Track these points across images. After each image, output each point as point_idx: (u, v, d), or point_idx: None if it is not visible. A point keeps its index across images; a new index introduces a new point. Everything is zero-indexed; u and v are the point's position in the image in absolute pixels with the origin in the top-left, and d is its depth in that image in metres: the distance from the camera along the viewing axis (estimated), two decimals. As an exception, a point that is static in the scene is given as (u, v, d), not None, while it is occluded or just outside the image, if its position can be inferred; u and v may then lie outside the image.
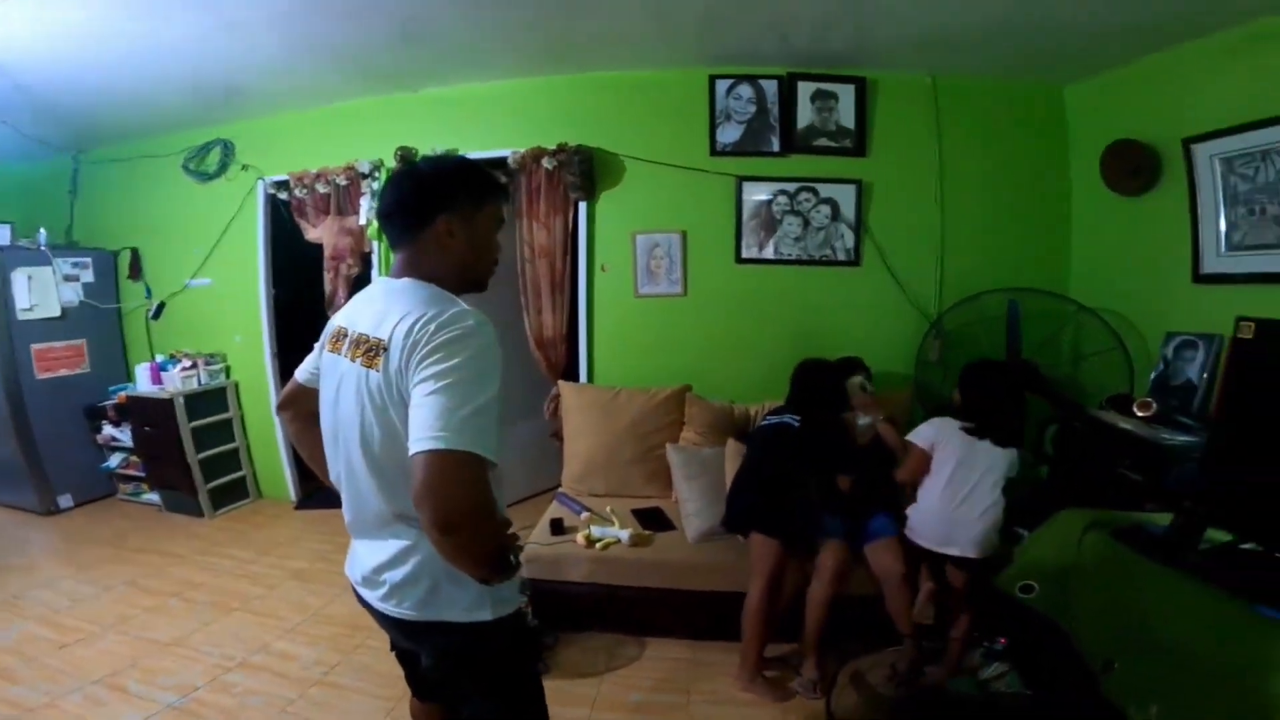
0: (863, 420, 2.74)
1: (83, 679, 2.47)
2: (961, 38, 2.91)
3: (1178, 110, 2.79)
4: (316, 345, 1.36)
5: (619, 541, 2.76)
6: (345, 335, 1.22)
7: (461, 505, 0.96)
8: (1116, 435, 2.54)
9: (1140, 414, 2.56)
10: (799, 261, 3.48)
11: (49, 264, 4.07)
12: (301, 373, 1.41)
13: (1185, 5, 2.48)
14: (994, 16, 2.70)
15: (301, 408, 1.41)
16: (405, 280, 1.18)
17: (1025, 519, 2.42)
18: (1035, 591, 1.93)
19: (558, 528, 2.89)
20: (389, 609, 1.22)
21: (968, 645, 2.34)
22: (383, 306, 1.15)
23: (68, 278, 4.18)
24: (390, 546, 1.20)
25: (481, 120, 3.62)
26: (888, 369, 3.34)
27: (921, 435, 2.50)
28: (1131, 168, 2.98)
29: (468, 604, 1.19)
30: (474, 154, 3.60)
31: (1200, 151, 2.67)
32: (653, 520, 2.98)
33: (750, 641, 2.42)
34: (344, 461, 1.23)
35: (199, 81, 3.31)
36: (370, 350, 1.13)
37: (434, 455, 0.95)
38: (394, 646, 1.46)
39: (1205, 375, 2.62)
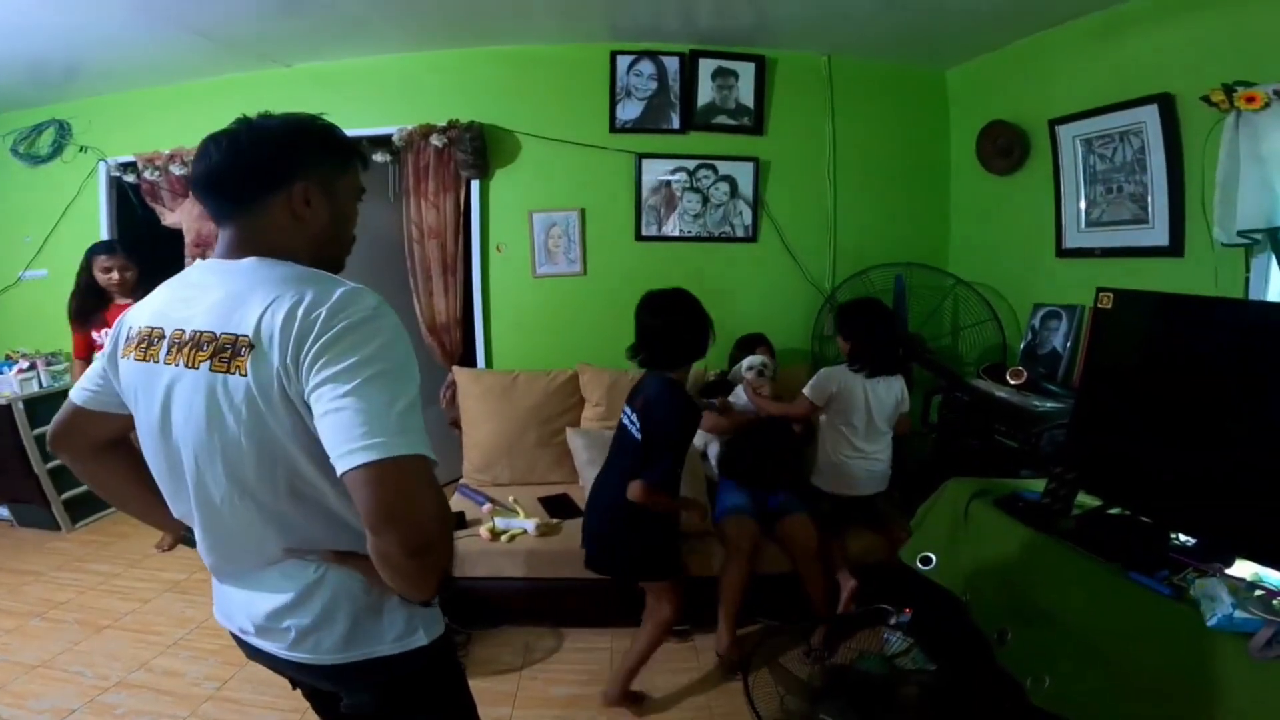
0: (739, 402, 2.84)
1: None
2: (852, 18, 2.95)
3: (1045, 93, 2.95)
4: (100, 356, 1.05)
5: (525, 532, 2.69)
6: (162, 337, 0.92)
7: (434, 520, 0.80)
8: (993, 403, 2.70)
9: (1013, 382, 2.75)
10: (698, 238, 3.48)
11: None
12: (80, 393, 1.06)
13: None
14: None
15: (86, 439, 1.09)
16: (250, 260, 0.92)
17: (918, 490, 2.51)
18: (934, 563, 2.01)
19: (460, 522, 2.78)
20: (302, 657, 1.00)
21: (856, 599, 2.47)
22: (225, 294, 0.89)
23: None
24: (285, 587, 0.99)
25: (364, 96, 3.37)
26: (787, 345, 3.42)
27: (819, 388, 2.59)
28: (1003, 148, 3.15)
29: (398, 632, 1.02)
30: (355, 131, 3.31)
31: (1064, 133, 2.85)
32: (560, 507, 2.92)
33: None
34: (196, 497, 0.95)
35: (29, 58, 2.93)
36: (222, 350, 0.86)
37: (382, 466, 0.77)
38: (297, 684, 1.18)
39: (1069, 344, 2.83)
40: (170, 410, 0.92)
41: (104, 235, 3.66)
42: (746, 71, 3.35)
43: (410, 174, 3.33)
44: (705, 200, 3.44)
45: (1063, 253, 2.94)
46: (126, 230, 3.71)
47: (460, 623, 2.66)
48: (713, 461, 2.92)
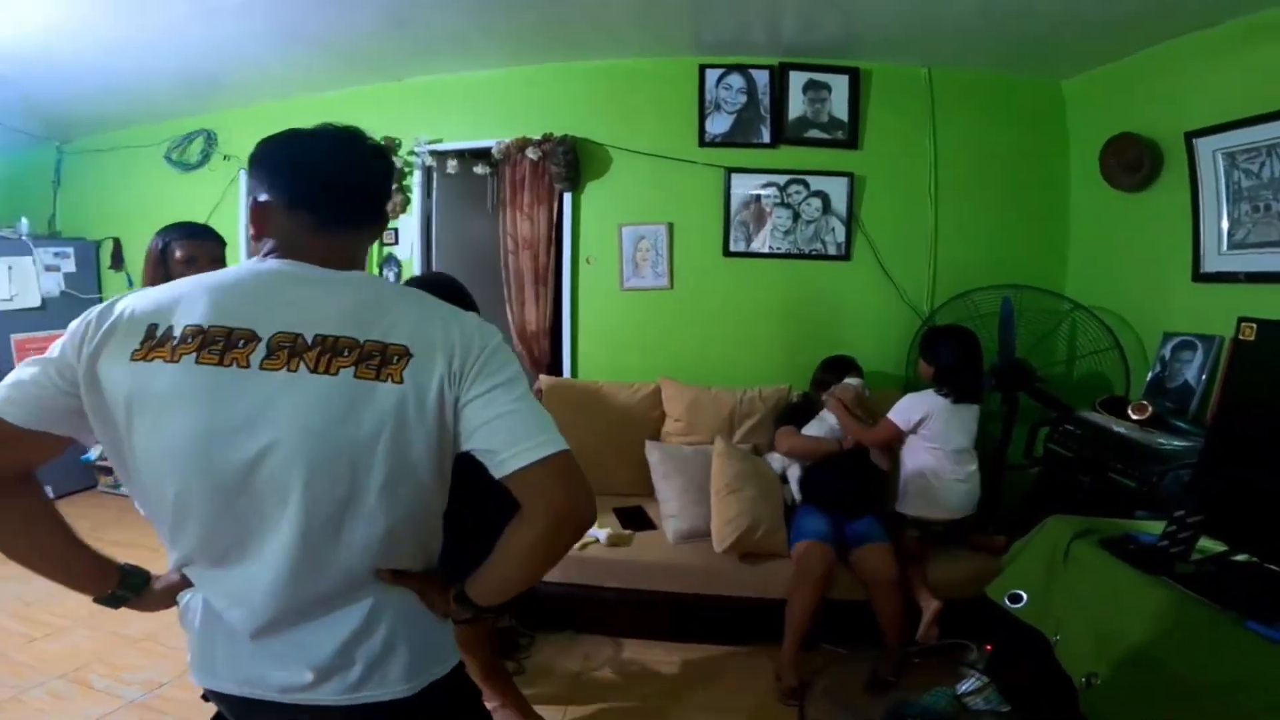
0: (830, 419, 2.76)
1: (48, 674, 2.41)
2: (953, 28, 2.82)
3: (1179, 104, 2.68)
4: (48, 359, 0.85)
5: (597, 541, 2.69)
6: (252, 338, 0.83)
7: (590, 495, 0.90)
8: (1109, 439, 2.46)
9: (1135, 417, 2.49)
10: (788, 255, 3.39)
11: (30, 254, 4.01)
12: (14, 407, 0.82)
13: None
14: (978, 8, 2.62)
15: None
16: (359, 273, 0.94)
17: (1015, 525, 2.38)
18: (1024, 601, 1.88)
19: (534, 527, 2.82)
20: (370, 696, 0.92)
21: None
22: (355, 302, 0.88)
23: (49, 268, 4.12)
24: (350, 616, 0.91)
25: (466, 110, 3.54)
26: (878, 368, 3.26)
27: (908, 411, 2.53)
28: (1131, 162, 2.88)
29: (447, 649, 1.01)
30: (459, 144, 3.55)
31: (1203, 146, 2.57)
32: (634, 519, 2.91)
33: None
34: (291, 521, 0.85)
35: (181, 72, 3.26)
36: (369, 357, 0.84)
37: (568, 455, 0.87)
38: None
39: (1204, 377, 2.53)
40: (261, 422, 0.82)
41: (242, 239, 4.03)
42: (839, 84, 3.26)
43: (507, 186, 3.47)
44: (796, 216, 3.36)
45: (1200, 277, 2.64)
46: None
47: (526, 625, 2.70)
48: (793, 485, 2.82)
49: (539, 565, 0.92)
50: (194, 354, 0.81)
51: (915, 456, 2.56)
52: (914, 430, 2.53)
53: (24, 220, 4.06)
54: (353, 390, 0.83)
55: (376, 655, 0.92)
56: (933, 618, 2.37)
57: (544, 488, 0.86)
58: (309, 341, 0.84)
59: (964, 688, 1.86)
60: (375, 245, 3.72)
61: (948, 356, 2.56)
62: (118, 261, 4.33)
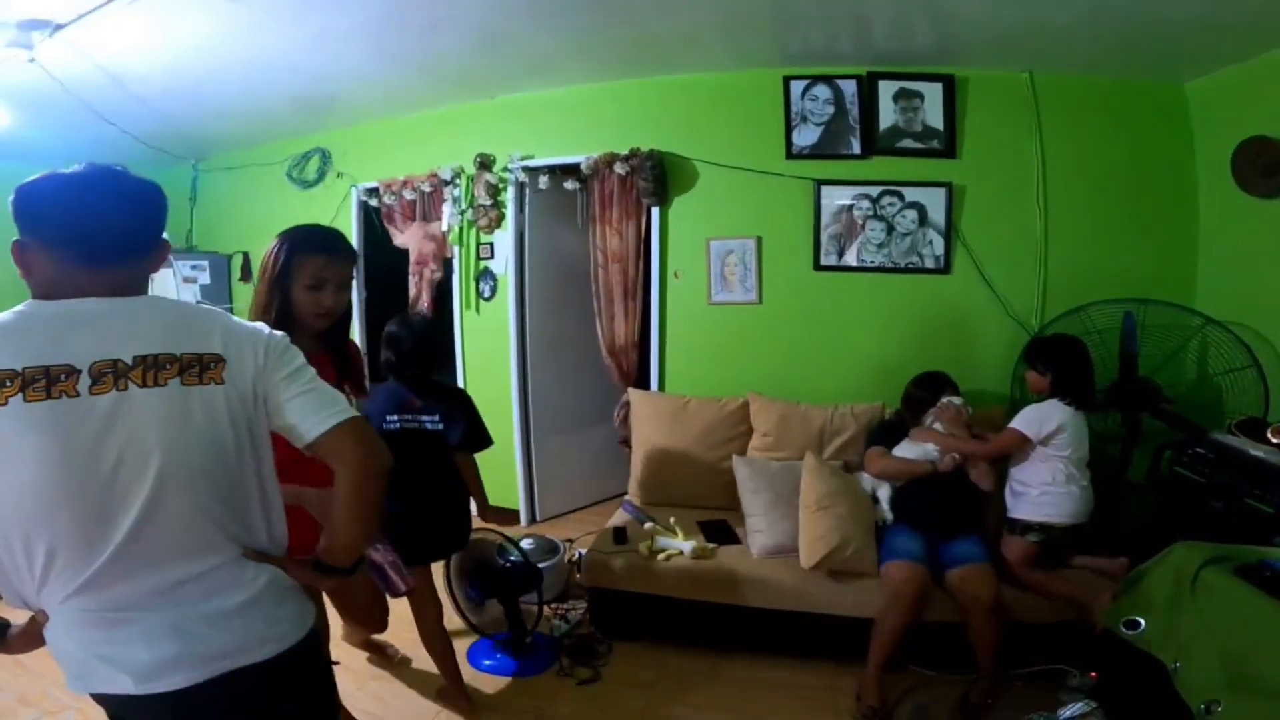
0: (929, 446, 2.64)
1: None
2: (1059, 32, 2.70)
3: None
4: None
5: (681, 554, 2.68)
6: (72, 372, 0.92)
7: (383, 450, 1.12)
8: (1246, 462, 2.25)
9: (1275, 440, 2.28)
10: (883, 269, 3.29)
11: (170, 267, 4.43)
12: None
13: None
14: (1082, 13, 2.51)
15: None
16: (146, 297, 1.05)
17: (1133, 549, 2.24)
18: (1142, 628, 1.74)
19: (620, 536, 2.84)
20: (269, 652, 1.05)
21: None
22: (164, 322, 1.01)
23: (186, 280, 4.54)
24: (241, 580, 1.06)
25: (555, 125, 3.65)
26: (978, 385, 3.10)
27: (1040, 422, 2.45)
28: (1266, 167, 2.65)
29: (305, 609, 1.17)
30: (549, 160, 3.67)
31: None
32: (717, 533, 2.88)
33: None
34: (144, 514, 0.96)
35: (298, 92, 3.50)
36: (189, 366, 1.00)
37: (354, 419, 1.10)
38: None
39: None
40: (108, 437, 0.94)
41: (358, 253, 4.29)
42: (933, 92, 3.16)
43: (596, 201, 3.55)
44: (890, 229, 3.26)
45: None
46: (369, 249, 4.32)
47: (605, 633, 2.70)
48: (884, 505, 2.71)
49: (360, 517, 1.11)
50: (19, 394, 0.89)
51: (1037, 465, 2.45)
52: (1044, 441, 2.43)
53: (166, 235, 4.49)
54: (182, 395, 0.99)
55: (271, 610, 1.09)
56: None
57: (343, 448, 1.07)
58: (129, 363, 0.96)
59: (1066, 714, 1.73)
60: (471, 260, 3.89)
61: (1065, 363, 2.49)
62: (246, 274, 4.70)
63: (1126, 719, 1.72)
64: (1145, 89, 3.08)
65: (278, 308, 1.62)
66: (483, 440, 2.36)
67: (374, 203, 4.11)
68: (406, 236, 3.99)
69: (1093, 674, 1.93)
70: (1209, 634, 1.53)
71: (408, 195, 3.93)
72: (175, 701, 0.97)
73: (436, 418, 2.22)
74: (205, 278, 4.66)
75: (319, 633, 1.23)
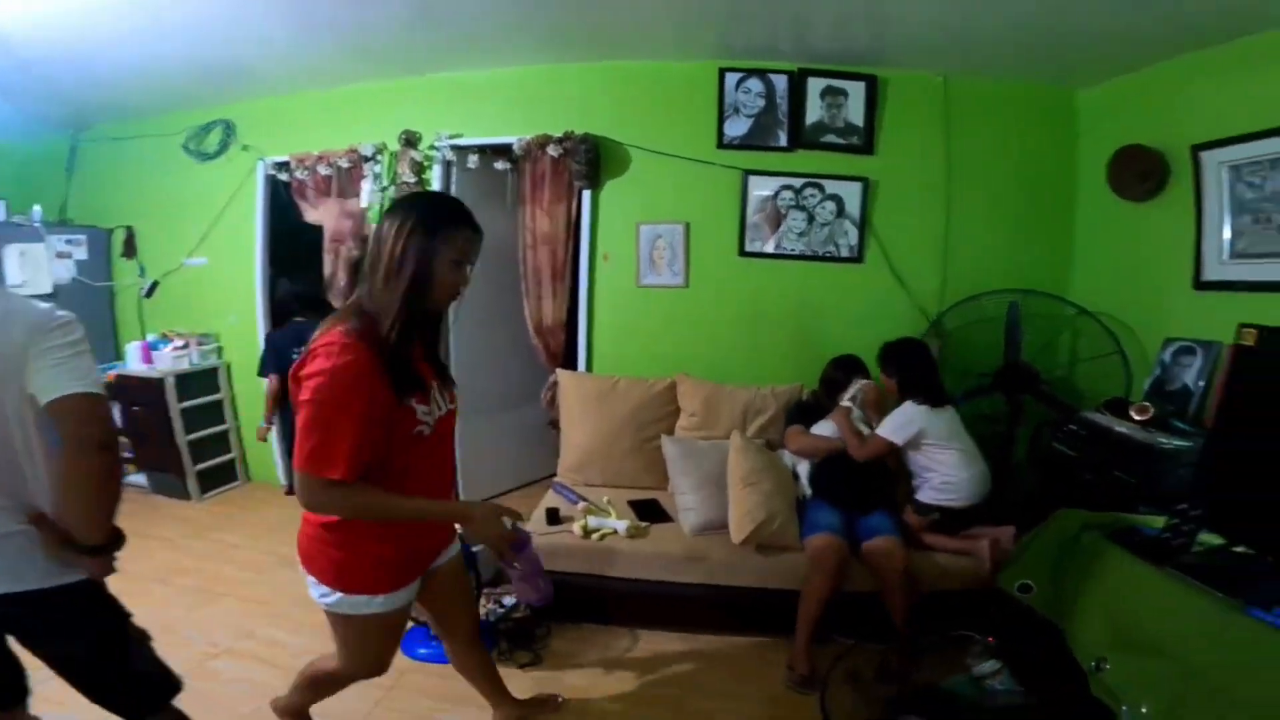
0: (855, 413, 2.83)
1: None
2: (976, 39, 2.90)
3: (1187, 117, 2.78)
4: None
5: (615, 533, 2.75)
6: None
7: (108, 427, 1.29)
8: (1112, 438, 2.56)
9: (1137, 418, 2.59)
10: (802, 257, 3.47)
11: (41, 240, 4.01)
12: None
13: (1197, 17, 2.49)
14: (1010, 20, 2.69)
15: None
16: None
17: (1022, 521, 2.47)
18: (1034, 591, 1.96)
19: (553, 517, 2.88)
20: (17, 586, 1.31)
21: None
22: None
23: (60, 255, 4.12)
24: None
25: (488, 106, 3.58)
26: (886, 367, 3.34)
27: (902, 428, 2.61)
28: (1139, 173, 2.96)
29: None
30: (480, 140, 3.59)
31: (1208, 159, 2.67)
32: (649, 512, 2.97)
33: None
34: None
35: (202, 60, 3.25)
36: None
37: (88, 394, 1.26)
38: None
39: (1202, 382, 2.63)
40: None
41: (260, 229, 4.04)
42: (856, 90, 3.34)
43: (528, 182, 3.51)
44: (811, 219, 3.44)
45: (1201, 285, 2.74)
46: (274, 225, 4.09)
47: (542, 614, 2.74)
48: (804, 481, 2.90)
49: (79, 489, 1.26)
50: None
51: (930, 456, 2.63)
52: (913, 444, 2.62)
53: (36, 207, 4.05)
54: None
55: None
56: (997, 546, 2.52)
57: (64, 418, 1.23)
58: None
59: (979, 670, 1.94)
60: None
61: (907, 366, 2.72)
62: (130, 249, 4.33)
63: (1029, 675, 1.92)
64: (1042, 94, 3.36)
65: (414, 287, 1.40)
66: None
67: (284, 177, 3.88)
68: (320, 213, 3.80)
69: (990, 639, 2.10)
70: (1092, 595, 1.74)
71: (322, 170, 3.73)
72: None
73: None
74: (82, 253, 4.24)
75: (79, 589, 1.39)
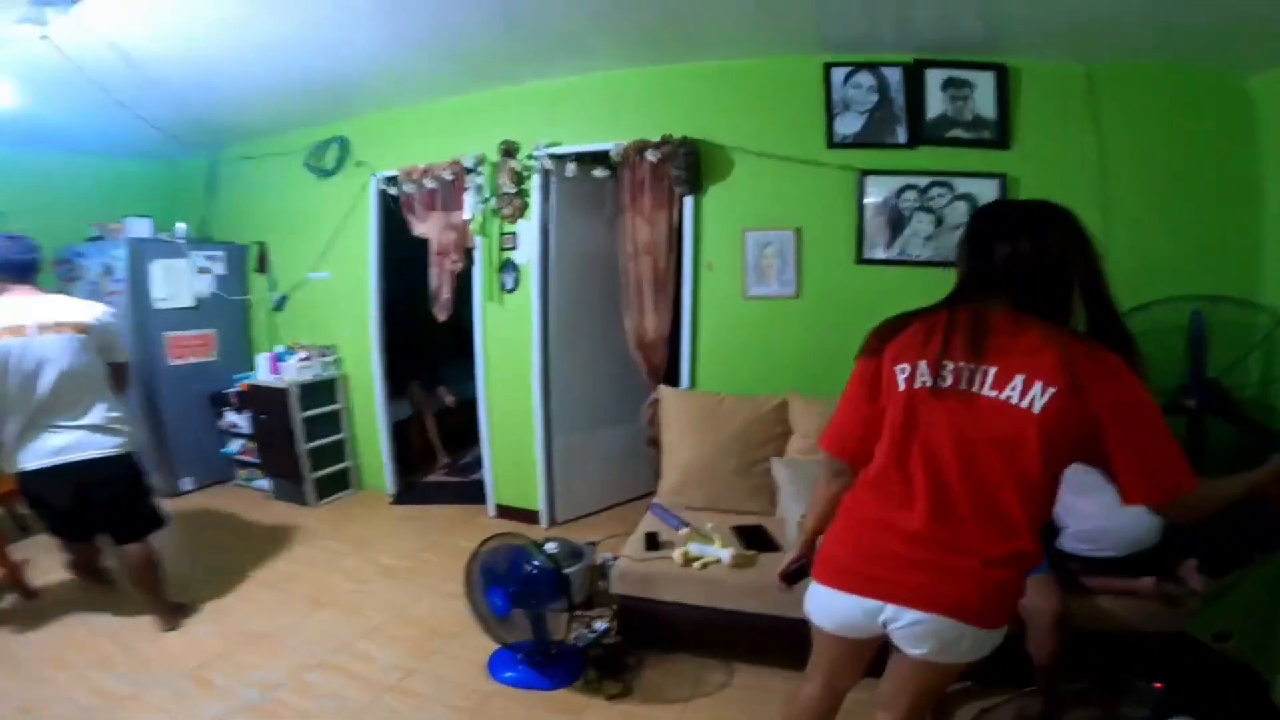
0: None
1: (171, 670, 2.50)
2: (1110, 25, 2.55)
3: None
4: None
5: (719, 561, 2.55)
6: (25, 327, 2.45)
7: None
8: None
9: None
10: (931, 263, 3.11)
11: (184, 257, 4.33)
12: None
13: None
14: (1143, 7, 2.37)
15: None
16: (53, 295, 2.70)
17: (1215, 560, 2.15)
18: (1232, 639, 1.63)
19: (653, 542, 2.71)
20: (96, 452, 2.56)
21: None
22: (48, 305, 2.55)
23: (201, 270, 4.44)
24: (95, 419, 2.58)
25: (584, 112, 3.51)
26: (1029, 386, 2.94)
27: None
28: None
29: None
30: (577, 146, 3.52)
31: None
32: (754, 539, 2.74)
33: None
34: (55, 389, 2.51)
35: (313, 76, 3.37)
36: (65, 325, 2.53)
37: None
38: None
39: None
40: (43, 357, 2.46)
41: (373, 244, 4.16)
42: (984, 81, 2.99)
43: (626, 190, 3.40)
44: (939, 221, 3.10)
45: None
46: (387, 238, 4.21)
47: (633, 643, 2.58)
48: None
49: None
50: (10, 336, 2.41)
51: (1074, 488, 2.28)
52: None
53: (180, 224, 4.38)
54: (70, 338, 2.51)
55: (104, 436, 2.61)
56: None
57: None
58: (50, 324, 2.48)
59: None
60: (494, 250, 3.75)
61: None
62: (262, 264, 4.61)
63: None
64: (1204, 82, 2.89)
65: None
66: None
67: (393, 191, 3.98)
68: (426, 226, 3.86)
69: (1157, 685, 1.85)
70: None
71: (428, 184, 3.78)
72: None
73: None
74: (220, 268, 4.56)
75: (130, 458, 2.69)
